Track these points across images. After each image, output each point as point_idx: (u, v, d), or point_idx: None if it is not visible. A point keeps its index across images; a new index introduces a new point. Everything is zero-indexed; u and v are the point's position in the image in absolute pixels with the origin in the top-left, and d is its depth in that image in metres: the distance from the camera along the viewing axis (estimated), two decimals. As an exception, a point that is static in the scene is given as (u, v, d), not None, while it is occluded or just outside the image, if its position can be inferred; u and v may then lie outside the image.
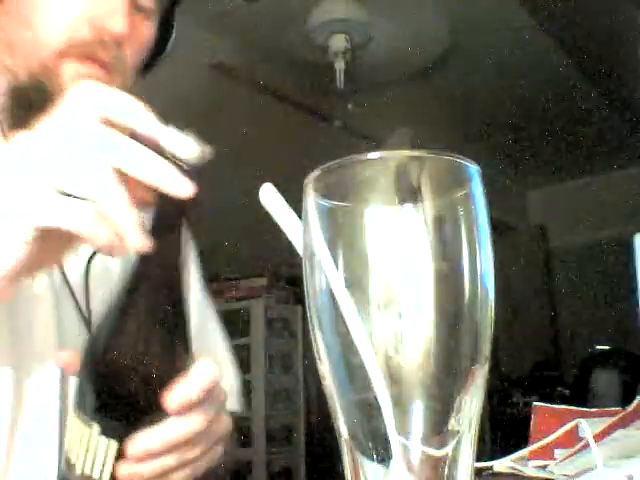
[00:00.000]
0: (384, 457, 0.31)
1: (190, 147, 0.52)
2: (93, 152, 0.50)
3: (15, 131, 0.54)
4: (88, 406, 0.54)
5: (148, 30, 0.74)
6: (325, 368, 0.32)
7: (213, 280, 4.35)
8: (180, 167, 0.52)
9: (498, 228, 5.32)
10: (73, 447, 0.55)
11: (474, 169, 0.32)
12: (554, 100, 4.18)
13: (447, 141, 4.46)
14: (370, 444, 0.31)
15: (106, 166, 0.49)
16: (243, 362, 4.14)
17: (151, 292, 0.54)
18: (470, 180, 0.32)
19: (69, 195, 0.49)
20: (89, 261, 0.73)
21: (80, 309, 0.73)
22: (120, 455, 0.54)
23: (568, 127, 4.59)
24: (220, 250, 4.45)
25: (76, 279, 0.74)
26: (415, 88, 4.08)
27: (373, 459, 0.31)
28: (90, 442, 0.54)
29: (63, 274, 0.74)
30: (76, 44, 0.68)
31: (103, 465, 0.54)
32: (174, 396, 0.53)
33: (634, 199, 4.58)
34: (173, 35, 0.81)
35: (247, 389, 4.08)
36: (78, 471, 0.54)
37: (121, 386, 0.54)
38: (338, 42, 3.31)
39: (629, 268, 0.78)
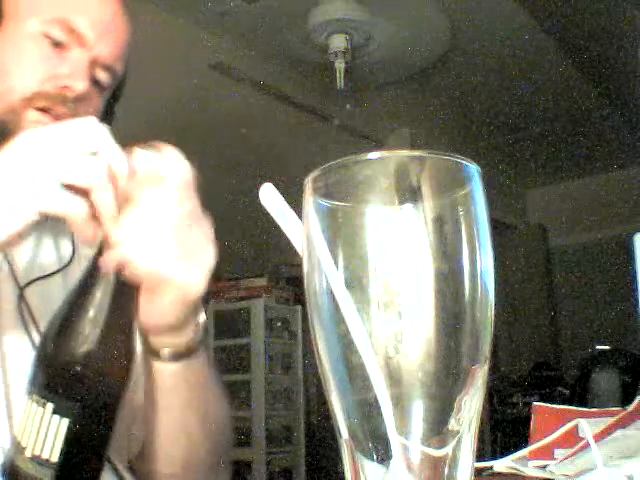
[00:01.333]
0: (384, 457, 0.31)
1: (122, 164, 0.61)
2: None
3: None
4: (42, 386, 0.57)
5: (98, 103, 0.89)
6: (325, 368, 0.32)
7: (213, 280, 4.32)
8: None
9: (498, 228, 5.32)
10: (25, 430, 0.57)
11: (474, 169, 0.32)
12: (554, 100, 4.18)
13: (447, 141, 4.47)
14: (370, 444, 0.31)
15: (101, 163, 0.62)
16: (243, 362, 4.13)
17: (106, 286, 0.60)
18: (470, 180, 0.32)
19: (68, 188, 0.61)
20: (28, 284, 0.81)
21: (22, 315, 0.79)
22: (71, 434, 0.57)
23: (568, 127, 4.58)
24: (220, 250, 4.43)
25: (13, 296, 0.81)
26: (415, 88, 4.08)
27: (373, 459, 0.31)
28: (42, 422, 0.56)
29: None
30: (41, 95, 0.83)
31: (53, 444, 0.56)
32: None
33: (634, 199, 4.57)
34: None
35: (247, 389, 4.07)
36: (28, 454, 0.57)
37: (74, 367, 0.57)
38: (338, 42, 3.31)
39: (629, 268, 0.78)
